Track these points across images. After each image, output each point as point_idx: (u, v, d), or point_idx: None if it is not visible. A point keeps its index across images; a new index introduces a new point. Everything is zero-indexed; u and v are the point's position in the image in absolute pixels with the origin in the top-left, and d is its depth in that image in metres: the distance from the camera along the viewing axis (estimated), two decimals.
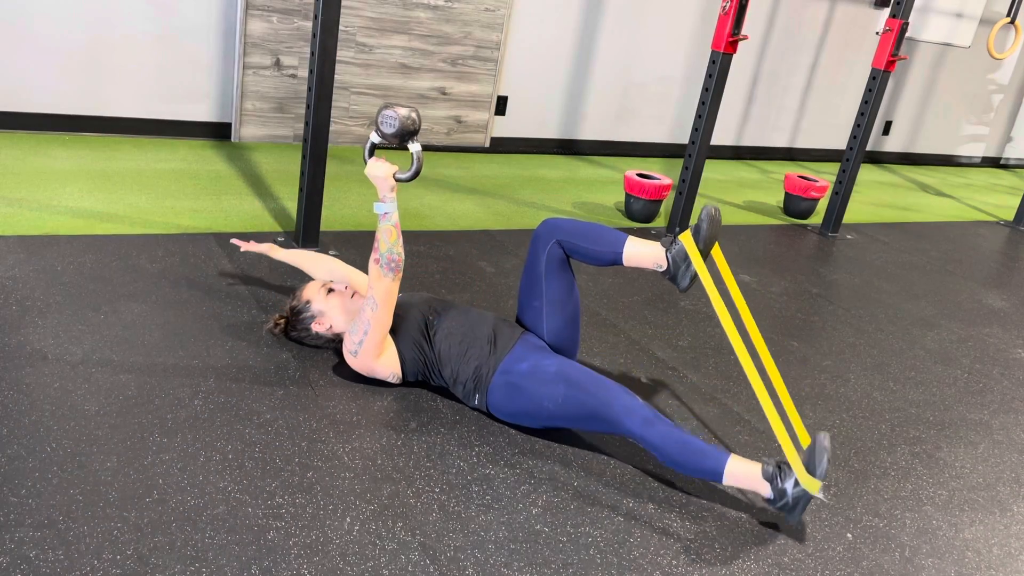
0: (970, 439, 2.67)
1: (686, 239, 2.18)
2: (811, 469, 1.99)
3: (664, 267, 2.23)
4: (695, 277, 2.20)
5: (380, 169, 2.19)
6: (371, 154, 2.25)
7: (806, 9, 6.10)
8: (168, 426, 2.04)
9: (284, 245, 3.22)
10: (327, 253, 3.22)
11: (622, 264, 2.27)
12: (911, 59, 6.84)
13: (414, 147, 2.19)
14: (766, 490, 2.03)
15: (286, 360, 2.42)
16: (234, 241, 2.79)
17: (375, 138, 2.22)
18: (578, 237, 2.29)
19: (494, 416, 2.29)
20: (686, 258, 2.19)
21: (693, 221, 4.25)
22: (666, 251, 2.22)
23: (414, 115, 2.15)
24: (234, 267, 2.97)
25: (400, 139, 2.17)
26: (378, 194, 2.21)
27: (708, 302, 2.15)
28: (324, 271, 2.68)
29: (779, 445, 2.20)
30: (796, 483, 2.00)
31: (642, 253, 2.26)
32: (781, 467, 2.04)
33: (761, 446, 2.41)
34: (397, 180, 2.20)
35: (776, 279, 3.84)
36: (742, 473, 2.05)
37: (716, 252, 2.24)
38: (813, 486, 1.98)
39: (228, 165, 4.11)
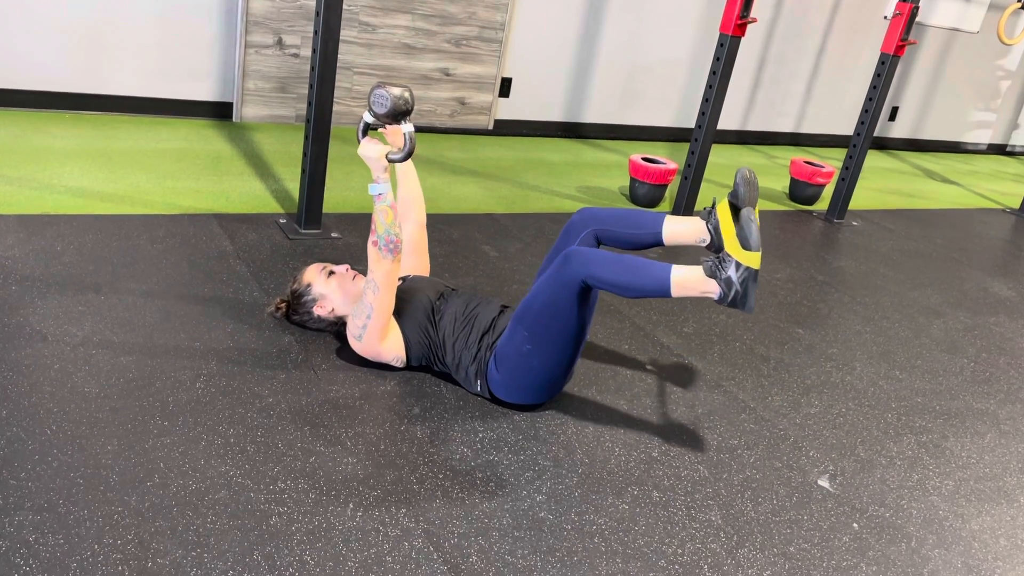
0: (977, 429, 2.65)
1: (722, 209, 2.12)
2: (745, 243, 1.96)
3: (708, 240, 2.19)
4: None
5: (373, 150, 2.16)
6: (364, 134, 2.21)
7: None
8: (169, 409, 2.02)
9: (286, 228, 3.20)
10: (330, 235, 3.20)
11: (663, 245, 2.25)
12: (919, 44, 6.78)
13: (407, 127, 2.16)
14: (713, 287, 2.00)
15: (288, 343, 2.40)
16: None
17: (368, 118, 2.18)
18: (616, 224, 2.28)
19: (498, 401, 2.27)
20: None
21: (699, 207, 4.22)
22: (706, 223, 2.18)
23: (407, 94, 2.12)
24: (236, 249, 2.94)
25: (393, 118, 2.14)
26: (372, 175, 2.18)
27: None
28: (411, 209, 2.60)
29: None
30: (737, 265, 1.97)
31: (683, 230, 2.23)
32: (719, 258, 2.00)
33: (766, 435, 2.39)
34: (390, 161, 2.16)
35: (781, 266, 3.81)
36: (686, 278, 2.01)
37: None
38: (754, 260, 1.95)
39: (229, 145, 4.08)
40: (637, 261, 2.06)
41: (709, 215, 2.17)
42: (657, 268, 2.04)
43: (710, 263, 2.00)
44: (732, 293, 1.98)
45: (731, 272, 1.97)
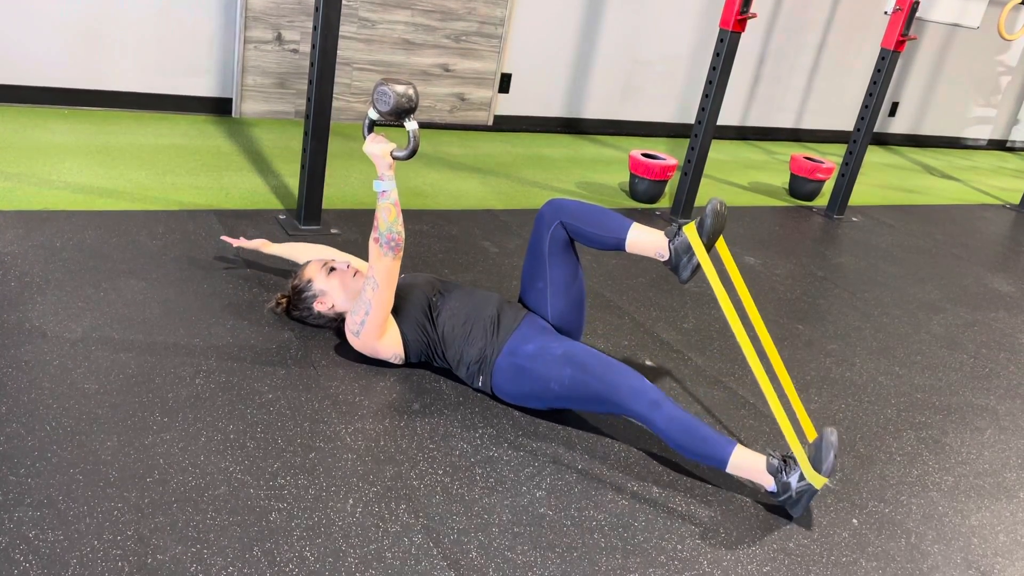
0: (976, 425, 2.65)
1: (690, 231, 2.15)
2: (817, 465, 1.97)
3: (666, 257, 2.20)
4: (696, 269, 2.17)
5: (377, 147, 2.16)
6: (370, 131, 2.21)
7: None
8: (169, 405, 2.02)
9: (285, 223, 3.19)
10: (329, 231, 3.19)
11: (624, 250, 2.25)
12: (919, 39, 6.76)
13: (410, 125, 2.15)
14: (770, 483, 2.02)
15: (288, 340, 2.40)
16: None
17: (373, 115, 2.18)
18: (582, 220, 2.26)
19: (498, 398, 2.27)
20: (688, 250, 2.16)
21: (699, 203, 4.22)
22: (669, 241, 2.19)
23: (411, 91, 2.11)
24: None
25: (396, 116, 2.13)
26: (377, 172, 2.18)
27: (708, 279, 2.14)
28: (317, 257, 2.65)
29: (783, 435, 2.18)
30: (801, 477, 1.98)
31: (645, 241, 2.23)
32: (786, 461, 2.02)
33: (766, 430, 2.39)
34: (394, 158, 2.16)
35: (781, 261, 3.81)
36: (746, 464, 2.04)
37: (720, 243, 2.21)
38: (818, 482, 1.96)
39: (229, 141, 4.07)
40: (704, 431, 2.05)
41: (675, 234, 2.18)
42: (717, 445, 2.04)
43: (776, 462, 2.02)
44: (786, 497, 2.01)
45: (793, 480, 2.00)
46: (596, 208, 2.30)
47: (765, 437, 2.36)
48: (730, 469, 2.04)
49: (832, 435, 2.00)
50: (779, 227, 4.37)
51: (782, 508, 2.05)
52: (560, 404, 2.19)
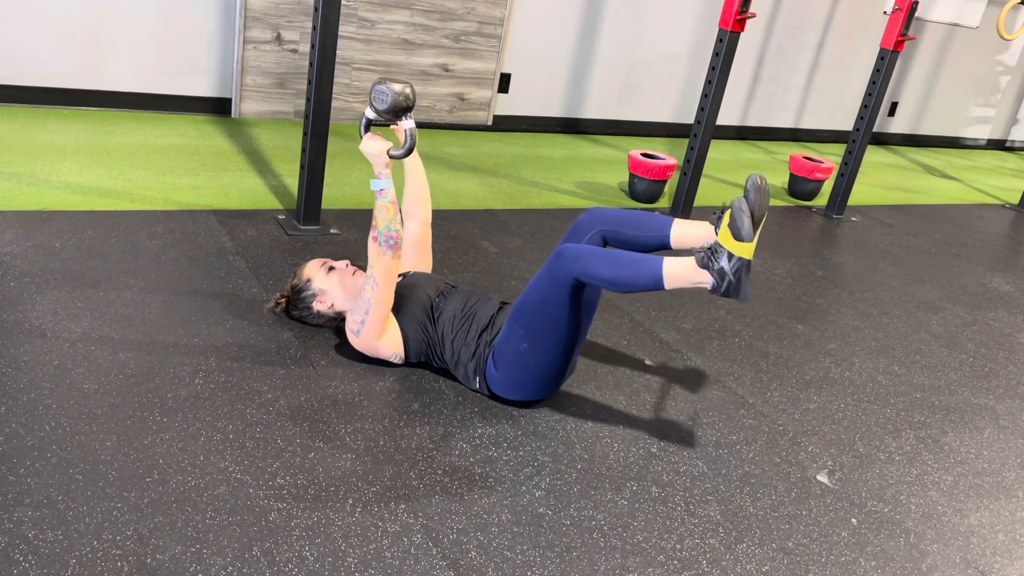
0: (975, 424, 2.65)
1: (724, 236, 2.11)
2: (737, 234, 1.94)
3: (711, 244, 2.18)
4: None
5: (374, 146, 2.16)
6: (367, 130, 2.21)
7: None
8: (168, 405, 2.02)
9: (284, 224, 3.19)
10: (328, 231, 3.19)
11: (670, 248, 2.24)
12: (918, 39, 6.76)
13: (407, 123, 2.16)
14: (706, 278, 1.98)
15: (287, 339, 2.40)
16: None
17: (370, 114, 2.18)
18: (624, 225, 2.27)
19: (496, 397, 2.27)
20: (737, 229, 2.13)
21: (699, 203, 4.22)
22: (715, 228, 2.18)
23: (408, 90, 2.12)
24: (235, 245, 2.94)
25: (394, 115, 2.14)
26: (374, 171, 2.18)
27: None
28: (414, 204, 2.63)
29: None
30: (730, 256, 1.95)
31: (690, 234, 2.22)
32: (712, 249, 1.98)
33: (765, 429, 2.39)
34: (391, 157, 2.16)
35: (780, 261, 3.81)
36: (679, 270, 2.00)
37: None
38: (746, 251, 1.94)
39: (228, 141, 4.07)
40: (630, 256, 2.05)
41: (719, 219, 2.16)
42: (649, 261, 2.03)
43: (702, 255, 1.99)
44: (725, 283, 1.97)
45: (723, 263, 1.95)
46: (633, 212, 2.32)
47: (765, 437, 2.36)
48: (667, 283, 2.00)
49: (740, 202, 1.96)
50: (778, 227, 4.37)
51: (782, 508, 2.05)
52: (546, 364, 2.16)
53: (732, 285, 1.96)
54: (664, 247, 2.25)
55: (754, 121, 6.35)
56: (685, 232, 2.23)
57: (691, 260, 2.00)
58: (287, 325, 2.47)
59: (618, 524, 1.91)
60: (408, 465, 1.97)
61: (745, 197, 2.06)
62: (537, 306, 2.10)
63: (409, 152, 2.17)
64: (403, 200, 2.63)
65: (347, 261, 2.47)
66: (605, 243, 2.30)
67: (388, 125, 2.24)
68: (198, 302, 2.51)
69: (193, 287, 2.59)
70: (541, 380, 2.21)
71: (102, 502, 1.69)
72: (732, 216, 1.96)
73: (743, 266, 1.95)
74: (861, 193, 5.21)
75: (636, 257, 2.05)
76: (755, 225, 2.09)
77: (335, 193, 3.58)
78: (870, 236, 4.46)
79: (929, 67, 7.07)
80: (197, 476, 1.81)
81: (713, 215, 2.17)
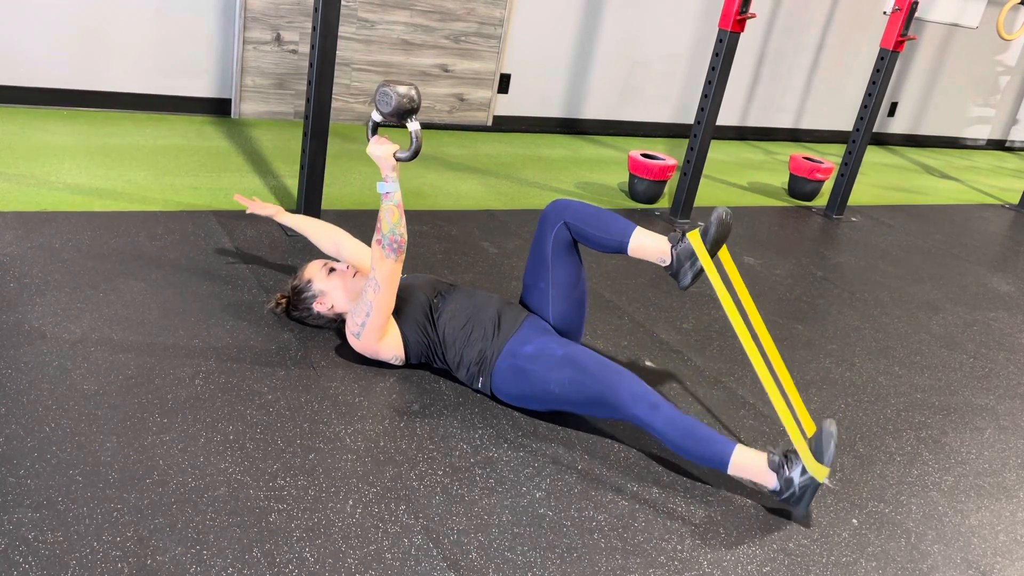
0: (976, 424, 2.65)
1: (694, 238, 2.15)
2: (818, 456, 1.97)
3: (668, 262, 2.20)
4: (698, 275, 2.17)
5: (381, 149, 2.16)
6: (374, 132, 2.21)
7: None
8: (168, 406, 2.02)
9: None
10: None
11: (626, 254, 2.24)
12: (918, 39, 6.76)
13: (412, 126, 2.16)
14: (772, 481, 2.01)
15: (287, 340, 2.40)
16: (238, 198, 2.74)
17: (376, 117, 2.19)
18: (585, 222, 2.26)
19: (498, 399, 2.27)
20: (691, 256, 2.16)
21: (699, 203, 4.22)
22: (672, 247, 2.19)
23: (412, 93, 2.12)
24: (235, 245, 2.93)
25: (398, 117, 2.14)
26: (381, 174, 2.18)
27: (712, 285, 2.15)
28: (329, 242, 2.65)
29: (784, 431, 2.18)
30: (803, 471, 1.98)
31: (648, 245, 2.22)
32: (787, 456, 2.01)
33: (766, 430, 2.39)
34: (398, 159, 2.17)
35: (780, 261, 3.81)
36: (747, 463, 2.03)
37: (722, 251, 2.21)
38: (820, 473, 1.96)
39: (228, 142, 4.07)
40: (704, 431, 2.05)
41: (678, 241, 2.19)
42: (721, 443, 2.04)
43: (777, 458, 2.01)
44: (789, 493, 2.00)
45: (795, 474, 1.99)
46: (600, 210, 2.30)
47: (765, 437, 2.36)
48: (731, 470, 2.04)
49: (831, 426, 2.00)
50: (778, 227, 4.37)
51: (782, 508, 2.05)
52: (559, 406, 2.19)
53: (794, 496, 2.00)
54: (621, 251, 2.25)
55: (754, 121, 6.35)
56: (644, 243, 2.23)
57: (763, 457, 2.03)
58: (287, 326, 2.47)
59: (619, 525, 1.90)
60: (408, 466, 1.97)
61: (706, 229, 2.14)
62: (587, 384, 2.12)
63: (416, 154, 2.17)
64: (321, 245, 2.67)
65: (348, 262, 2.47)
66: (571, 237, 2.28)
67: (394, 127, 2.25)
68: (198, 303, 2.51)
69: (193, 288, 2.59)
70: (547, 399, 2.20)
71: (102, 503, 1.69)
72: (821, 438, 2.00)
73: (811, 485, 1.98)
74: (861, 193, 5.21)
75: (709, 433, 2.05)
76: (714, 251, 2.15)
77: (335, 193, 3.58)
78: (870, 236, 4.46)
79: (929, 67, 7.07)
80: (197, 477, 1.81)
81: (675, 232, 2.20)
